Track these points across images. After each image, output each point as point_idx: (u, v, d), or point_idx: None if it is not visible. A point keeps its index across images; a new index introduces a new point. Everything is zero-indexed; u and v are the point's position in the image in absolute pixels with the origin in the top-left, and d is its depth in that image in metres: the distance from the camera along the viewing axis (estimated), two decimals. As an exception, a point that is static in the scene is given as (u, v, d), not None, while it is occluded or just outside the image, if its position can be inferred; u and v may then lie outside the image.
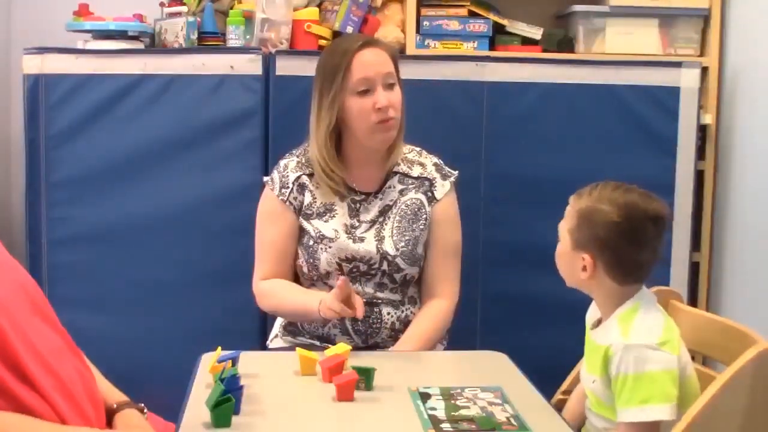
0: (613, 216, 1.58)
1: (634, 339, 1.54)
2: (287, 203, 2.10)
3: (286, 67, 2.54)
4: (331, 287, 2.08)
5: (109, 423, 1.57)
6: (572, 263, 1.63)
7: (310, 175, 2.11)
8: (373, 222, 2.10)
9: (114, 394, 1.63)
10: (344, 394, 1.60)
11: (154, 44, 2.72)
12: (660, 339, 1.53)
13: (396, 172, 2.13)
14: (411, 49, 2.72)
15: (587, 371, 1.67)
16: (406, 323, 2.09)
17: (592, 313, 1.73)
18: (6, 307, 1.37)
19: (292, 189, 2.10)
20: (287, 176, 2.11)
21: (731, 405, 1.48)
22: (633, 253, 1.59)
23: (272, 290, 2.10)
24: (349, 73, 2.01)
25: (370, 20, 2.70)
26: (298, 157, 2.14)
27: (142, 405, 1.64)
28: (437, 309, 2.10)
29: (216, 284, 2.54)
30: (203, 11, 2.67)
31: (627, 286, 1.62)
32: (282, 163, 2.15)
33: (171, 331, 2.53)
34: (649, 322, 1.57)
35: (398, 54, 2.12)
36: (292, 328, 2.13)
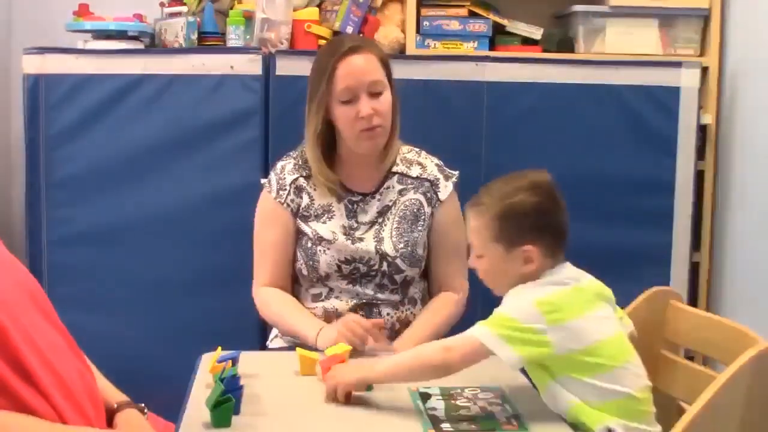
0: (531, 198, 1.60)
1: (514, 292, 1.58)
2: (285, 205, 2.09)
3: (286, 67, 2.54)
4: (330, 289, 2.08)
5: (110, 423, 1.57)
6: (511, 266, 1.61)
7: (307, 177, 2.11)
8: (372, 223, 2.10)
9: (114, 394, 1.63)
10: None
11: (154, 44, 2.72)
12: (541, 298, 1.53)
13: (395, 173, 2.13)
14: (411, 49, 2.72)
15: None
16: (406, 324, 2.09)
17: None
18: (7, 304, 1.37)
19: (289, 191, 2.10)
20: (284, 178, 2.11)
21: (731, 405, 1.48)
22: (559, 215, 1.62)
23: (270, 304, 2.09)
24: (333, 81, 2.00)
25: (370, 20, 2.70)
26: (295, 159, 2.14)
27: (143, 405, 1.64)
28: (447, 300, 2.12)
29: (216, 284, 2.54)
30: (203, 11, 2.67)
31: (557, 258, 1.62)
32: (279, 165, 2.15)
33: (171, 331, 2.53)
34: (544, 287, 1.58)
35: (389, 56, 2.11)
36: (292, 328, 2.13)
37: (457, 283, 2.14)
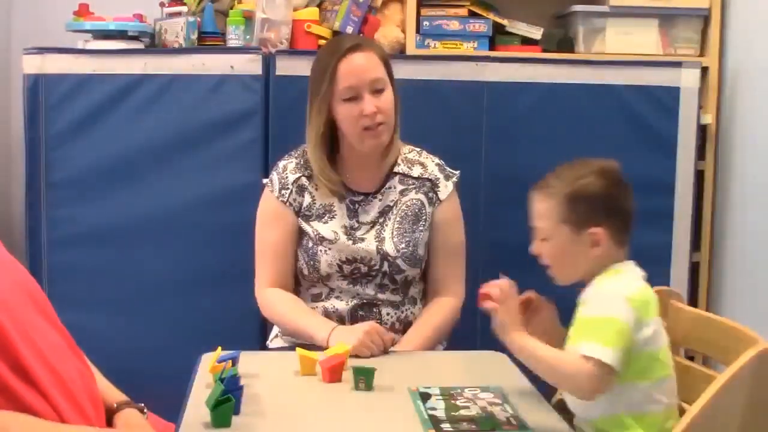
0: (601, 182, 1.60)
1: (604, 287, 1.55)
2: (287, 204, 2.10)
3: (286, 67, 2.54)
4: (331, 289, 2.08)
5: (109, 423, 1.57)
6: (577, 250, 1.60)
7: (309, 177, 2.11)
8: (373, 223, 2.10)
9: (114, 394, 1.63)
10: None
11: (154, 44, 2.72)
12: (631, 295, 1.52)
13: (396, 173, 2.13)
14: (411, 49, 2.72)
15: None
16: (406, 324, 2.09)
17: None
18: (7, 304, 1.37)
19: (291, 190, 2.10)
20: (286, 177, 2.11)
21: (731, 405, 1.48)
22: (627, 203, 1.62)
23: (275, 305, 2.09)
24: (335, 80, 2.01)
25: (370, 20, 2.70)
26: (296, 158, 2.14)
27: (142, 405, 1.64)
28: (443, 305, 2.11)
29: (216, 284, 2.54)
30: (203, 11, 2.67)
31: (621, 250, 1.62)
32: (281, 164, 2.15)
33: (171, 331, 2.53)
34: (627, 280, 1.57)
35: (388, 55, 2.12)
36: (292, 328, 2.13)
37: (454, 287, 2.13)
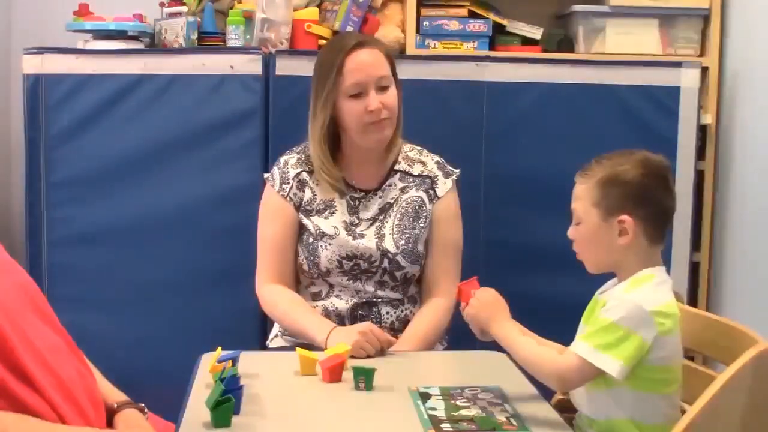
0: (637, 171, 1.58)
1: (633, 296, 1.53)
2: (288, 199, 2.10)
3: (286, 67, 2.54)
4: (331, 285, 2.09)
5: (110, 423, 1.57)
6: (605, 237, 1.59)
7: (310, 172, 2.11)
8: (373, 219, 2.10)
9: (114, 394, 1.63)
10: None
11: (154, 44, 2.72)
12: (658, 308, 1.52)
13: (397, 170, 2.14)
14: (411, 49, 2.72)
15: (583, 324, 1.65)
16: (405, 322, 2.09)
17: (603, 287, 1.71)
18: (5, 306, 1.37)
19: (292, 185, 2.10)
20: (287, 172, 2.12)
21: (731, 405, 1.48)
22: (664, 198, 1.60)
23: (277, 303, 2.09)
24: (341, 76, 2.01)
25: (370, 20, 2.70)
26: (298, 154, 2.14)
27: (143, 405, 1.64)
28: (436, 308, 2.10)
29: (216, 284, 2.54)
30: (203, 11, 2.67)
31: (655, 247, 1.60)
32: (282, 159, 2.16)
33: (171, 331, 2.53)
34: (657, 293, 1.56)
35: (393, 52, 2.12)
36: (292, 328, 2.14)
37: (446, 286, 2.11)
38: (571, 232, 1.65)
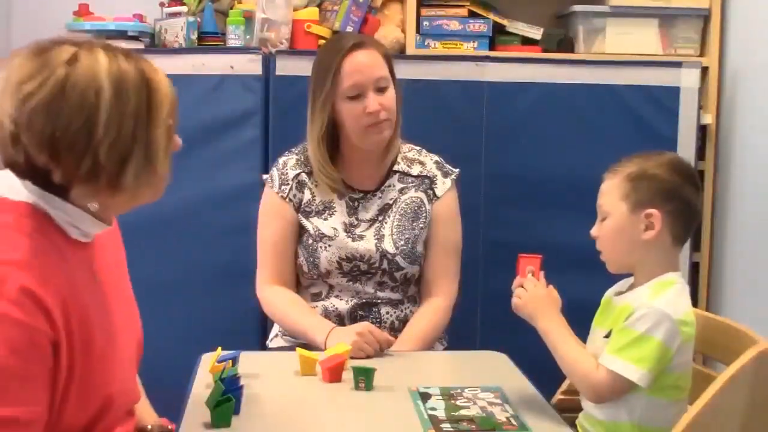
0: (667, 168, 1.60)
1: (661, 304, 1.53)
2: (287, 200, 2.10)
3: (286, 67, 2.54)
4: (331, 286, 2.09)
5: None
6: (631, 231, 1.59)
7: (309, 173, 2.11)
8: (372, 221, 2.10)
9: (148, 415, 1.59)
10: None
11: (154, 44, 2.72)
12: (683, 317, 1.53)
13: (396, 171, 2.13)
14: (411, 49, 2.71)
15: (599, 327, 1.65)
16: (405, 322, 2.09)
17: (615, 288, 1.71)
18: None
19: (291, 186, 2.10)
20: (286, 173, 2.12)
21: (731, 405, 1.48)
22: (693, 197, 1.61)
23: (277, 304, 2.09)
24: (339, 78, 2.01)
25: (370, 20, 2.70)
26: (297, 155, 2.14)
27: (171, 427, 1.57)
28: (435, 308, 2.10)
29: (216, 284, 2.54)
30: (203, 11, 2.67)
31: (675, 249, 1.61)
32: (281, 160, 2.15)
33: (171, 331, 2.52)
34: (681, 300, 1.57)
35: (391, 53, 2.12)
36: (292, 328, 2.13)
37: (445, 286, 2.12)
38: (595, 230, 1.66)
